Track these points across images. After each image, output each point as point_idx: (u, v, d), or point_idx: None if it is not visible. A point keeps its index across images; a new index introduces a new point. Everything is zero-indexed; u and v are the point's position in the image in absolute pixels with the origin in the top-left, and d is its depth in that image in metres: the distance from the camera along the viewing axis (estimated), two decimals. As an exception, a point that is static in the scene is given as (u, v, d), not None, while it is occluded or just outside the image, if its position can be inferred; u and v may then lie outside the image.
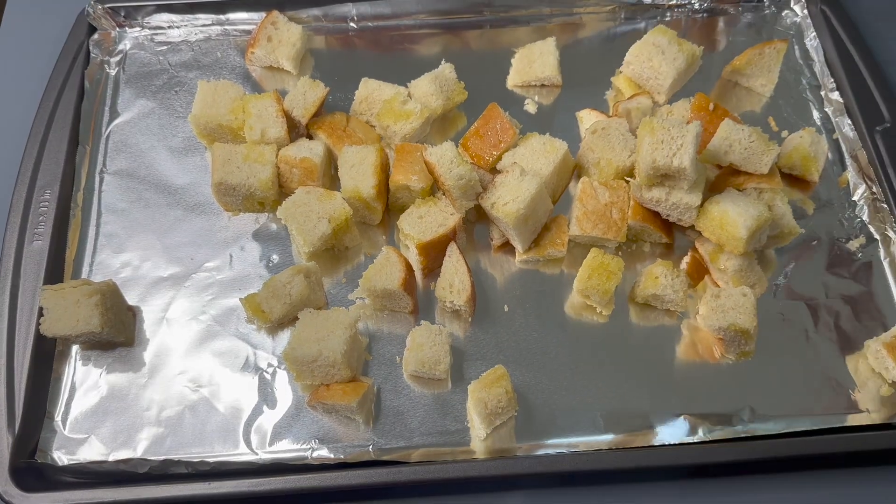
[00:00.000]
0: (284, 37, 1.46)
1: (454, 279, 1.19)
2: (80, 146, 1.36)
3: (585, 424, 1.14)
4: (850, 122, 1.41)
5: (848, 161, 1.39)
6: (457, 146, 1.24)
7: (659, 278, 1.17)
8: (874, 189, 1.34)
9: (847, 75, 1.44)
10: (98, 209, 1.32)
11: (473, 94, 1.42)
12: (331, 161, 1.34)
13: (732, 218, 1.16)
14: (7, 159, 1.35)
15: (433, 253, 1.23)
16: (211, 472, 1.09)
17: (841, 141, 1.42)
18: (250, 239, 1.30)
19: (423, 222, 1.23)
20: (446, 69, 1.39)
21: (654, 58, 1.39)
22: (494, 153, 1.29)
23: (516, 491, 1.11)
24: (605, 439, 1.12)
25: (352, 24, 1.55)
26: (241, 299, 1.18)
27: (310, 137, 1.36)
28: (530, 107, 1.45)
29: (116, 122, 1.41)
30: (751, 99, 1.48)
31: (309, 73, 1.49)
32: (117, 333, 1.16)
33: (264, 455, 1.11)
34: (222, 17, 1.53)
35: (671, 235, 1.28)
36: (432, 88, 1.37)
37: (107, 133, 1.40)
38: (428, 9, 1.55)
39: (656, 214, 1.25)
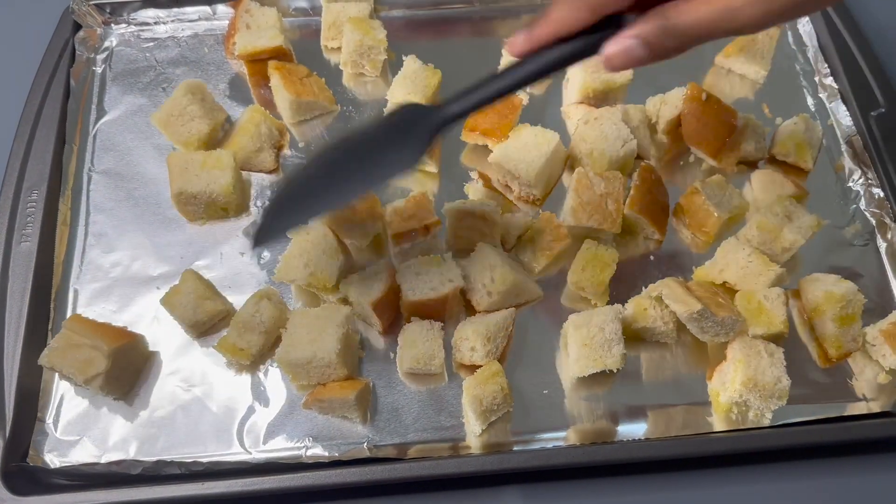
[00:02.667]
0: (262, 21, 1.44)
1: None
2: (67, 145, 1.35)
3: (581, 418, 1.13)
4: (844, 107, 1.40)
5: (843, 147, 1.38)
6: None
7: (648, 310, 1.14)
8: (870, 175, 1.33)
9: (841, 61, 1.43)
10: (86, 209, 1.31)
11: (464, 85, 1.40)
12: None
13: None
14: (-7, 160, 1.34)
15: (415, 313, 1.17)
16: (204, 472, 1.08)
17: (836, 127, 1.40)
18: (240, 236, 1.28)
19: (419, 280, 1.15)
20: (408, 63, 1.38)
21: None
22: (506, 122, 1.28)
23: (512, 485, 1.11)
24: (600, 433, 1.12)
25: (340, 17, 1.53)
26: (214, 347, 1.15)
27: (266, 78, 1.38)
28: (521, 98, 1.43)
29: (103, 120, 1.40)
30: (744, 86, 1.47)
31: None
32: (113, 390, 1.12)
33: (258, 454, 1.10)
34: (209, 11, 1.52)
35: (663, 231, 1.27)
36: (406, 87, 1.36)
37: (94, 132, 1.38)
38: (417, 0, 1.54)
39: (652, 207, 1.24)
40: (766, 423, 1.11)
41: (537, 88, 1.46)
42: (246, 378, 1.16)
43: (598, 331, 1.11)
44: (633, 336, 1.18)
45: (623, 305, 1.17)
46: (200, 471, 1.08)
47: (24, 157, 1.30)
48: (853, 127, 1.38)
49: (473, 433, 1.11)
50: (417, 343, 1.13)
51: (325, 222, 1.20)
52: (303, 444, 1.10)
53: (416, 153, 0.98)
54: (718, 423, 1.12)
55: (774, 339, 1.16)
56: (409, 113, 1.01)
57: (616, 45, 0.85)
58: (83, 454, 1.10)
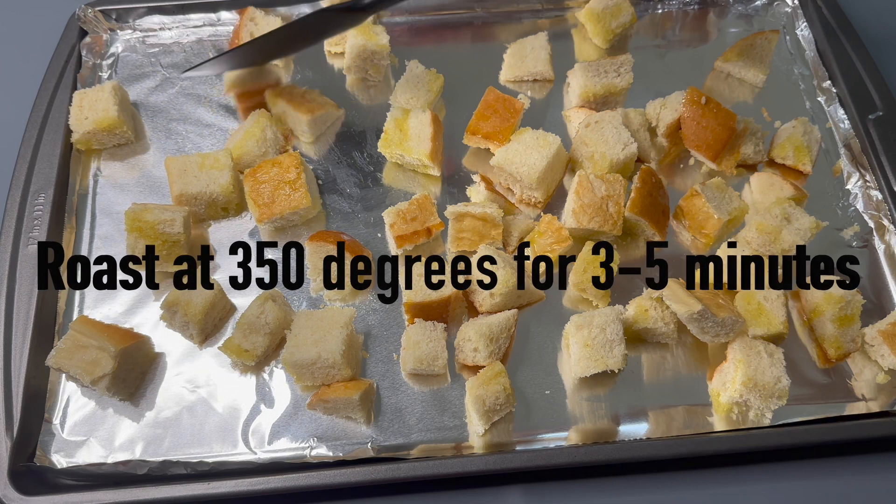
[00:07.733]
0: (266, 30, 1.45)
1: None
2: (74, 149, 1.36)
3: (583, 418, 1.14)
4: (842, 111, 1.42)
5: (841, 150, 1.39)
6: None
7: (649, 311, 1.15)
8: (868, 177, 1.34)
9: (838, 65, 1.45)
10: (92, 212, 1.32)
11: (466, 90, 1.43)
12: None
13: None
14: (0, 164, 1.35)
15: (420, 314, 1.18)
16: (210, 472, 1.09)
17: (834, 130, 1.42)
18: (245, 238, 1.30)
19: (422, 280, 1.17)
20: (411, 67, 1.40)
21: None
22: (507, 125, 1.30)
23: (515, 485, 1.12)
24: (602, 433, 1.13)
25: (343, 23, 1.55)
26: (219, 348, 1.16)
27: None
28: (523, 102, 1.45)
29: (109, 124, 1.41)
30: (743, 90, 1.48)
31: (295, 70, 1.50)
32: (119, 391, 1.14)
33: (263, 454, 1.11)
34: (214, 18, 1.53)
35: (664, 233, 1.28)
36: (409, 91, 1.38)
37: (100, 136, 1.40)
38: (419, 5, 1.56)
39: (652, 209, 1.25)
40: (767, 422, 1.12)
41: (538, 93, 1.47)
42: (251, 379, 1.17)
43: (600, 331, 1.12)
44: (635, 337, 1.19)
45: (624, 306, 1.18)
46: (206, 471, 1.09)
47: (32, 161, 1.32)
48: (851, 130, 1.39)
49: (476, 433, 1.12)
50: (421, 344, 1.14)
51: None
52: (307, 445, 1.11)
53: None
54: (719, 423, 1.13)
55: (774, 339, 1.17)
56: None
57: None
58: (90, 454, 1.11)
